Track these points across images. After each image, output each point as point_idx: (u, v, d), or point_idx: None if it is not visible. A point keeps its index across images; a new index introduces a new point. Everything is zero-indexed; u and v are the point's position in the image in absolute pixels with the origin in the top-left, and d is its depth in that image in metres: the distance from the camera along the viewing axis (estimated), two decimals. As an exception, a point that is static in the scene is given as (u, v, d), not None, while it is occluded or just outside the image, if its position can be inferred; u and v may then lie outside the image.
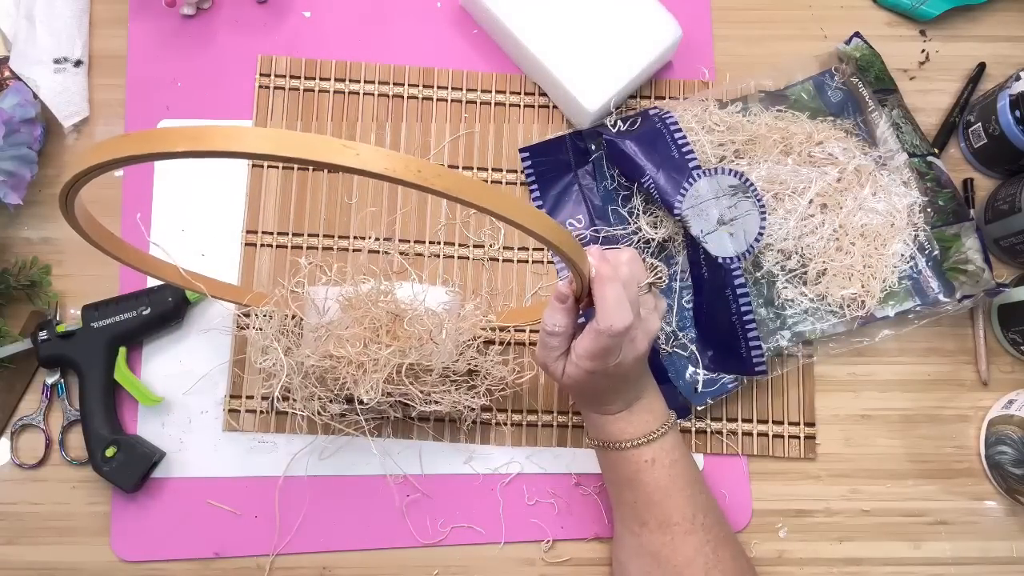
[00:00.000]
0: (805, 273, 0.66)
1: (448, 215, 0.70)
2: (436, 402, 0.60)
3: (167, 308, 0.65)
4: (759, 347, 0.62)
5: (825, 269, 0.66)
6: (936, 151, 0.70)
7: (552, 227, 0.42)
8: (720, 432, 0.67)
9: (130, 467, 0.62)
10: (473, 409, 0.63)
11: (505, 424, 0.67)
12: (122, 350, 0.64)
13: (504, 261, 0.69)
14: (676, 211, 0.63)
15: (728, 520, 0.61)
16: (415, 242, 0.69)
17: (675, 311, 0.67)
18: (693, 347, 0.67)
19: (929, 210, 0.68)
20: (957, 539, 0.67)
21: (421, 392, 0.59)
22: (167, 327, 0.66)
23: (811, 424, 0.68)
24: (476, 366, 0.62)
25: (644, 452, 0.57)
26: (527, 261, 0.70)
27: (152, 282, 0.67)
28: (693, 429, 0.67)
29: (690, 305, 0.67)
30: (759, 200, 0.62)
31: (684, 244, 0.66)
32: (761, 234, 0.62)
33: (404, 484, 0.66)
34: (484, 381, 0.63)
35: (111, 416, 0.64)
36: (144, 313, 0.64)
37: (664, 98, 0.72)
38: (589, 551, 0.66)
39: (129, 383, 0.64)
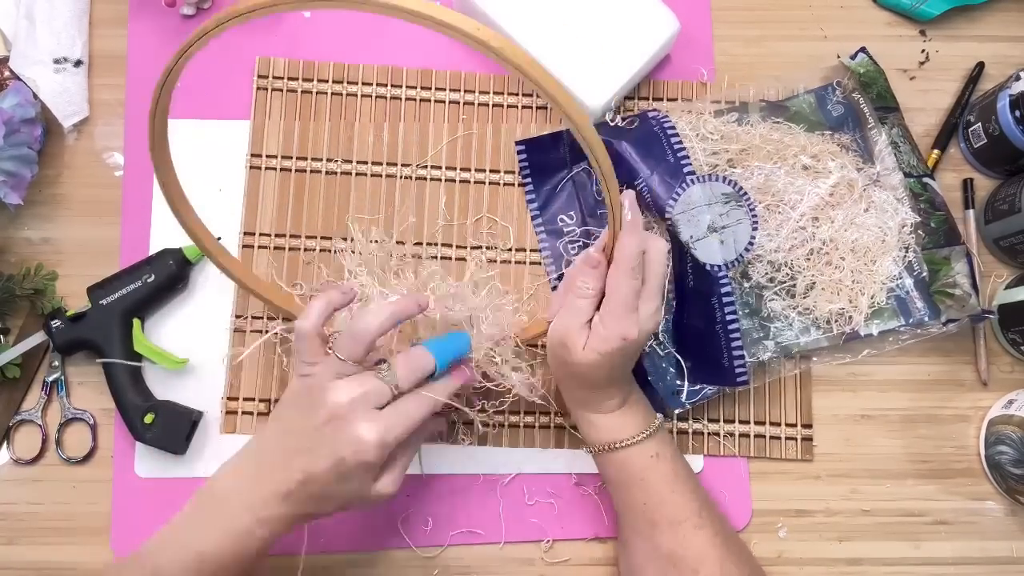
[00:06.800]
0: (794, 286, 0.66)
1: (446, 216, 0.70)
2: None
3: (171, 271, 0.65)
4: (742, 356, 0.62)
5: (814, 283, 0.66)
6: (931, 173, 0.70)
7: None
8: (717, 434, 0.67)
9: (174, 429, 0.63)
10: (485, 411, 0.62)
11: (503, 425, 0.67)
12: (136, 321, 0.65)
13: (502, 262, 0.69)
14: (667, 215, 0.62)
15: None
16: (414, 244, 0.69)
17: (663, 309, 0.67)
18: (672, 349, 0.66)
19: (920, 232, 0.67)
20: (957, 539, 0.67)
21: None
22: (174, 291, 0.67)
23: (808, 426, 0.68)
24: (495, 373, 0.60)
25: (648, 447, 0.57)
26: (524, 263, 0.70)
27: (152, 251, 0.68)
28: (690, 431, 0.67)
29: (675, 306, 0.67)
30: (752, 209, 0.62)
31: (672, 250, 0.65)
32: (752, 243, 0.62)
33: (404, 484, 0.65)
34: (499, 383, 0.61)
35: (140, 385, 0.65)
36: (149, 281, 0.65)
37: (662, 99, 0.72)
38: (589, 551, 0.66)
39: (150, 351, 0.65)
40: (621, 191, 0.51)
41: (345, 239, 0.68)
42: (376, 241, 0.63)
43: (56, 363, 0.66)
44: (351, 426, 0.48)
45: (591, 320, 0.54)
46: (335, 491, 0.50)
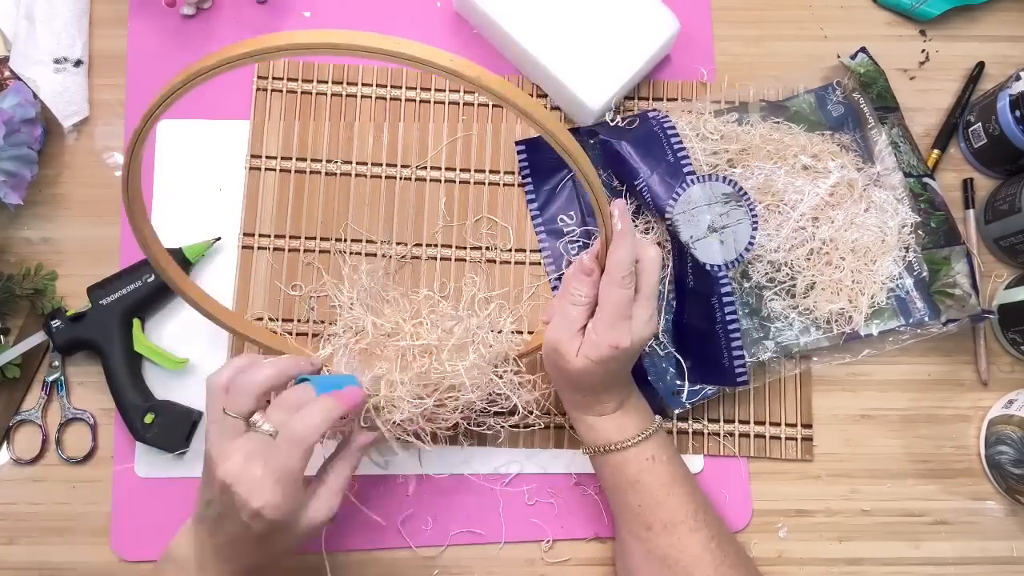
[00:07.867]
0: (794, 286, 0.66)
1: (445, 217, 0.70)
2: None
3: None
4: (742, 356, 0.62)
5: (814, 283, 0.66)
6: (931, 173, 0.70)
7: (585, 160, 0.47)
8: (717, 434, 0.67)
9: (174, 429, 0.63)
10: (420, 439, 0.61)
11: (503, 426, 0.66)
12: (136, 321, 0.65)
13: (501, 263, 0.69)
14: (667, 215, 0.62)
15: (726, 519, 0.61)
16: (413, 245, 0.69)
17: (661, 313, 0.67)
18: (672, 349, 0.66)
19: (920, 232, 0.67)
20: (957, 539, 0.67)
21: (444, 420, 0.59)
22: (173, 292, 0.67)
23: (808, 426, 0.68)
24: (499, 393, 0.60)
25: (645, 449, 0.57)
26: (524, 263, 0.70)
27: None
28: (690, 431, 0.67)
29: (675, 306, 0.67)
30: (752, 209, 0.62)
31: (672, 250, 0.66)
32: (752, 243, 0.62)
33: (404, 484, 0.66)
34: (509, 400, 0.60)
35: (140, 385, 0.65)
36: (149, 281, 0.65)
37: (662, 99, 0.72)
38: (589, 551, 0.66)
39: (150, 351, 0.65)
40: (610, 201, 0.51)
41: (342, 244, 0.68)
42: (382, 258, 0.63)
43: (56, 363, 0.66)
44: (239, 497, 0.47)
45: (585, 327, 0.54)
46: (264, 545, 0.50)
